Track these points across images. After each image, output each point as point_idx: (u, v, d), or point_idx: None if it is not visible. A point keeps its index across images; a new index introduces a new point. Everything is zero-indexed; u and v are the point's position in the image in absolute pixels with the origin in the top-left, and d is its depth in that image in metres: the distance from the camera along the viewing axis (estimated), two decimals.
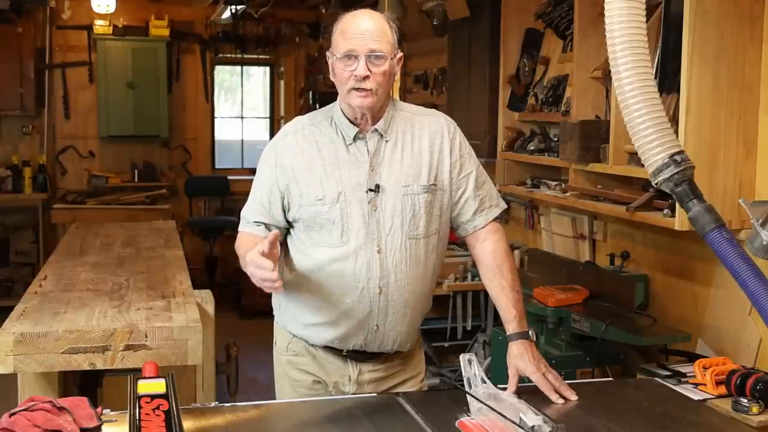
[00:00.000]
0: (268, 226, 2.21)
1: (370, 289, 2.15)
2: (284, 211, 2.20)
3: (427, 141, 2.21)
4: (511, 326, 2.18)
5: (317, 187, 2.15)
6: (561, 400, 2.06)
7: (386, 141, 2.18)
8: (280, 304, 2.34)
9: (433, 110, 2.33)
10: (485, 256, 2.26)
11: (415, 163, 2.18)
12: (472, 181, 2.25)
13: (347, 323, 2.18)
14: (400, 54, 2.15)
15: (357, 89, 2.08)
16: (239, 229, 2.27)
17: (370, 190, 2.14)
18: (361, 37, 2.06)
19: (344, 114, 2.17)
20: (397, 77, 2.19)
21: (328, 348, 2.25)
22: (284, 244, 2.26)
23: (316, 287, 2.18)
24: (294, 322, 2.28)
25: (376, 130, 2.17)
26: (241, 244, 2.18)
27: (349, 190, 2.14)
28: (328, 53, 2.14)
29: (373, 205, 2.14)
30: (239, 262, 2.08)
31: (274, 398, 2.35)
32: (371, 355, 2.25)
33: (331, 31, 2.16)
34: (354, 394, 2.24)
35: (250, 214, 2.24)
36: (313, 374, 2.28)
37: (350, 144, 2.17)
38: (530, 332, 2.19)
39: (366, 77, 2.06)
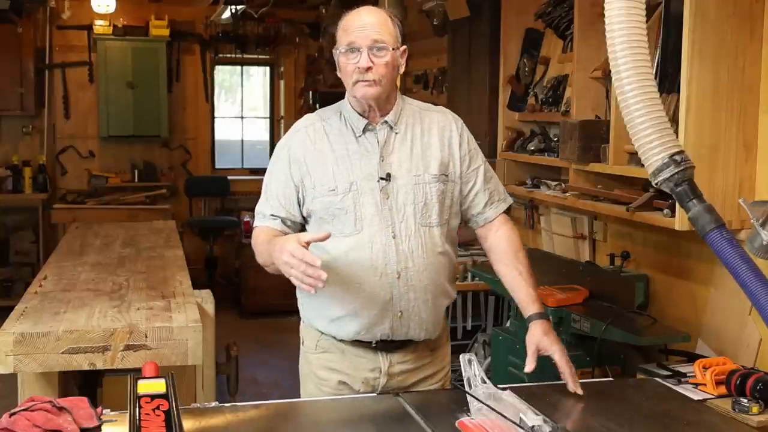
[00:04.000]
0: (284, 220, 2.24)
1: (388, 275, 2.18)
2: (299, 205, 2.25)
3: (436, 134, 2.26)
4: (531, 308, 2.24)
5: (329, 178, 2.19)
6: (579, 390, 2.11)
7: (396, 133, 2.23)
8: (303, 303, 2.36)
9: (440, 107, 2.39)
10: (500, 244, 2.32)
11: (425, 155, 2.23)
12: (481, 174, 2.32)
13: (370, 312, 2.19)
14: (404, 47, 2.21)
15: (361, 81, 2.13)
16: (255, 224, 2.31)
17: (382, 179, 2.18)
18: (362, 29, 2.13)
19: (353, 108, 2.23)
20: (402, 70, 2.24)
21: (357, 342, 2.26)
22: None
23: (336, 279, 2.20)
24: (320, 318, 2.29)
25: (386, 122, 2.22)
26: (259, 238, 2.22)
27: (360, 180, 2.18)
28: (334, 50, 2.20)
29: (385, 193, 2.19)
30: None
31: (274, 398, 2.34)
32: (400, 344, 2.26)
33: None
34: (384, 387, 2.25)
35: (266, 208, 2.28)
36: (342, 372, 2.28)
37: (360, 136, 2.22)
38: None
39: (369, 68, 2.12)
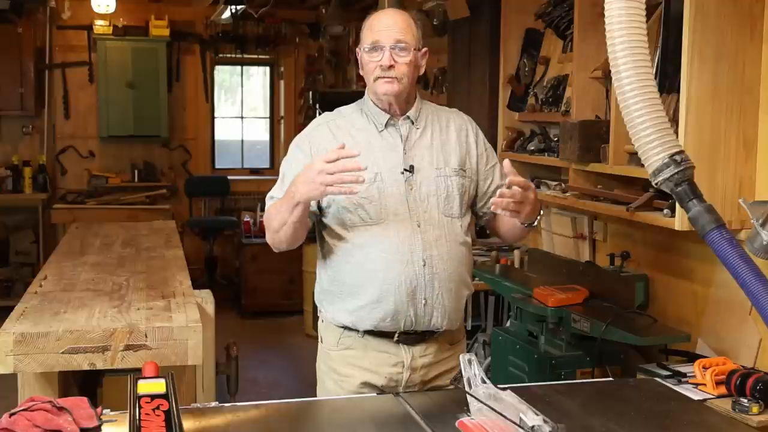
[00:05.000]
0: None
1: (414, 262, 2.21)
2: None
3: (454, 132, 2.35)
4: None
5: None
6: (499, 210, 2.11)
7: (417, 128, 2.31)
8: (323, 299, 2.37)
9: (454, 109, 2.48)
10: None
11: (445, 150, 2.31)
12: (498, 171, 2.41)
13: (396, 298, 2.22)
14: (425, 49, 2.28)
15: (382, 77, 2.20)
16: (267, 207, 2.33)
17: (405, 170, 2.24)
18: (387, 29, 2.21)
19: (374, 104, 2.29)
20: (422, 71, 2.31)
21: (379, 335, 2.27)
22: (321, 237, 2.34)
23: (360, 267, 2.23)
24: (342, 311, 2.30)
25: (408, 117, 2.29)
26: (272, 208, 2.26)
27: (385, 172, 2.24)
28: (357, 49, 2.28)
29: (409, 184, 2.25)
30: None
31: (274, 398, 2.34)
32: (421, 337, 2.28)
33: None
34: (408, 382, 2.27)
35: (281, 194, 2.28)
36: (364, 368, 2.29)
37: (382, 130, 2.29)
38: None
39: (391, 66, 2.19)
